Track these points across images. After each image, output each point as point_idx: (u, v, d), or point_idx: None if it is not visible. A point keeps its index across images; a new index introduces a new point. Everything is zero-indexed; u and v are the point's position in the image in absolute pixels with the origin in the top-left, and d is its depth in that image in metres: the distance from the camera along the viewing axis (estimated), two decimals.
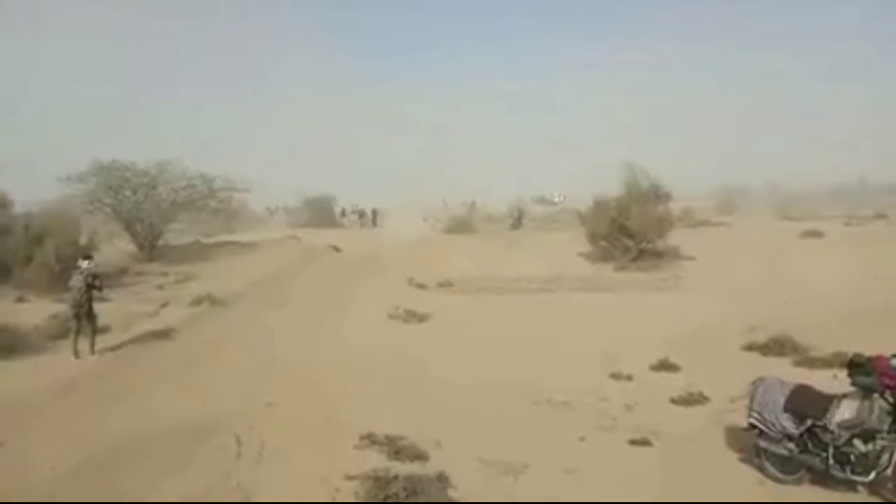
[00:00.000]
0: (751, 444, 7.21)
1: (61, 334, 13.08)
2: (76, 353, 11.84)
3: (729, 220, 41.52)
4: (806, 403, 6.72)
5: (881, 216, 38.66)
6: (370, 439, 7.99)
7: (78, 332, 12.05)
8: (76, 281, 12.19)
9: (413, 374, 11.19)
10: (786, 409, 6.74)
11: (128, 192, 24.36)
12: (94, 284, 12.29)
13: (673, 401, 9.54)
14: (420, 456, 7.55)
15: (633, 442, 8.05)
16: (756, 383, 7.19)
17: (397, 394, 10.05)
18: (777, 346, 11.89)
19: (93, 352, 11.95)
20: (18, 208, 20.37)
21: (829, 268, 20.18)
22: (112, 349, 12.33)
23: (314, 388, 10.44)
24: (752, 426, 7.03)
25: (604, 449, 7.93)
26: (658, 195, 23.22)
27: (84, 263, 12.46)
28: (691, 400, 9.49)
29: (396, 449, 7.69)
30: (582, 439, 8.25)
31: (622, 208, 22.89)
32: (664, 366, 11.25)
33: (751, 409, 7.04)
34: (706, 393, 9.63)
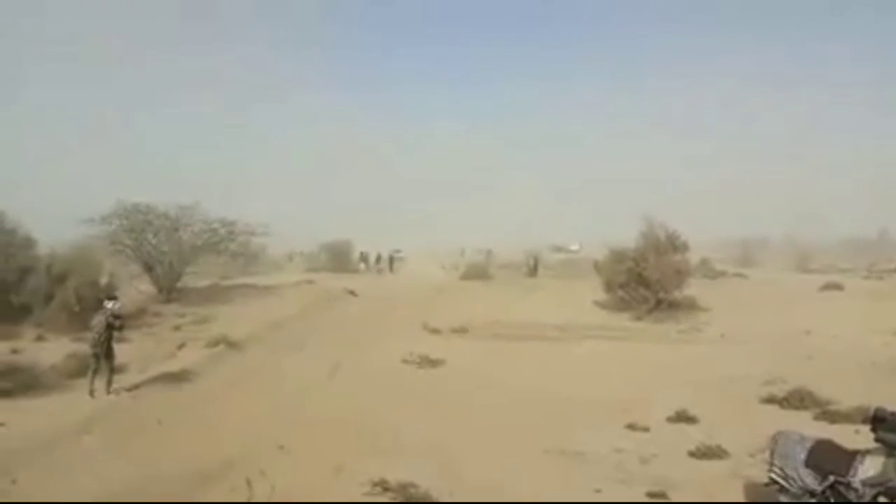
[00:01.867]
0: (770, 499, 7.03)
1: (78, 373, 13.21)
2: (91, 393, 11.91)
3: (747, 272, 41.33)
4: (828, 459, 6.56)
5: None
6: (382, 486, 7.90)
7: (95, 372, 12.14)
8: (98, 321, 12.33)
9: (425, 421, 11.06)
10: (807, 465, 6.58)
11: (149, 235, 24.73)
12: (115, 325, 12.43)
13: (691, 454, 9.33)
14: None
15: (650, 495, 7.87)
16: (776, 437, 7.04)
17: (410, 441, 9.93)
18: (797, 400, 11.68)
19: (108, 391, 11.99)
20: (41, 249, 20.70)
21: (848, 321, 20.00)
22: (128, 389, 12.37)
23: (327, 432, 10.39)
24: (773, 481, 6.86)
25: (620, 501, 7.77)
26: (675, 245, 23.19)
27: (109, 304, 12.63)
28: (709, 453, 9.28)
29: (408, 497, 7.59)
30: (597, 491, 8.08)
31: (639, 258, 22.89)
32: (682, 417, 11.05)
33: (771, 464, 6.88)
34: (724, 446, 9.41)
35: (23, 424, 10.01)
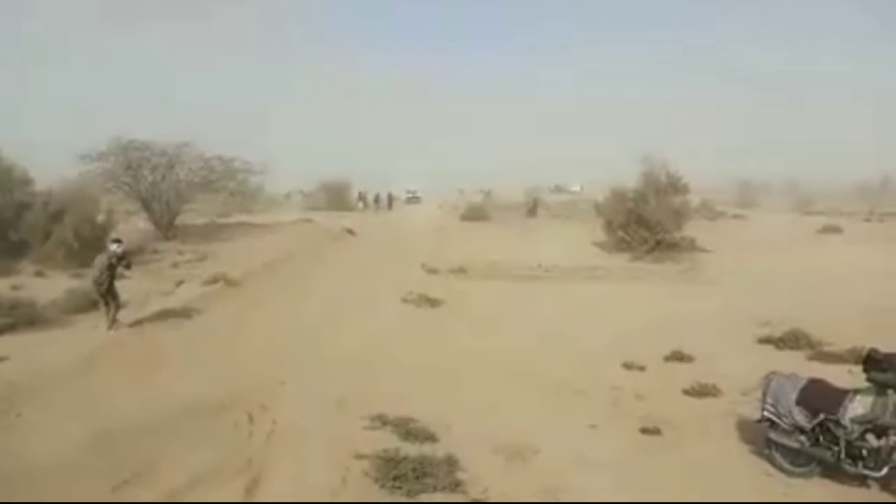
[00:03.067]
0: (762, 436, 7.15)
1: (78, 309, 13.40)
2: (109, 327, 12.10)
3: (747, 214, 41.32)
4: (819, 397, 6.66)
5: None
6: (381, 420, 8.02)
7: (107, 307, 12.25)
8: (100, 260, 12.37)
9: (425, 360, 11.18)
10: (798, 403, 6.69)
11: (146, 172, 24.55)
12: (117, 264, 12.47)
13: (685, 392, 9.45)
14: (430, 438, 7.55)
15: (643, 431, 8.00)
16: (769, 376, 7.14)
17: (409, 378, 10.03)
18: (792, 340, 11.77)
19: (109, 328, 12.07)
20: (39, 186, 20.54)
21: (846, 263, 20.09)
22: (129, 325, 12.45)
23: (327, 368, 10.50)
24: (765, 419, 6.98)
25: (614, 437, 7.89)
26: (676, 187, 23.05)
27: (113, 246, 12.64)
28: (703, 391, 9.39)
29: (407, 431, 7.71)
30: (592, 427, 8.22)
31: (639, 199, 22.79)
32: (677, 357, 11.16)
33: (764, 402, 7.00)
34: (718, 385, 9.53)
35: (25, 359, 10.11)
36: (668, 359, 11.17)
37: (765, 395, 7.02)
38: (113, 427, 7.72)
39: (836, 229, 30.34)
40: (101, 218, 20.31)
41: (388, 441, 7.41)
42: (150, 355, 10.92)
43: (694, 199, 25.83)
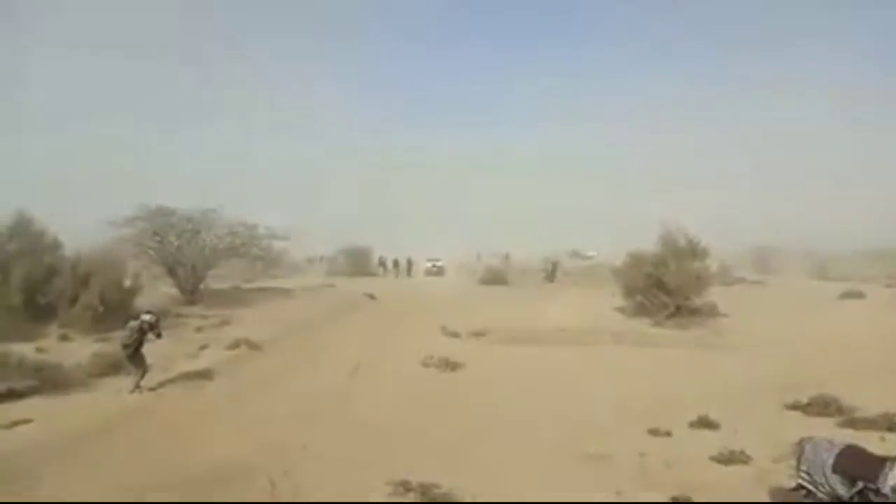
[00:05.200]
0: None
1: (103, 372, 13.55)
2: (133, 391, 12.32)
3: (765, 280, 40.99)
4: (857, 465, 6.51)
5: None
6: (404, 486, 7.95)
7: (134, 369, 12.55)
8: (132, 324, 12.84)
9: (446, 424, 11.09)
10: (835, 471, 6.53)
11: (172, 238, 25.02)
12: (148, 331, 12.93)
13: (714, 459, 9.28)
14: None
15: (674, 498, 7.84)
16: (803, 442, 7.01)
17: (431, 443, 9.96)
18: (820, 406, 11.55)
19: (132, 391, 12.18)
20: (68, 251, 20.98)
21: (870, 329, 19.77)
22: (151, 388, 12.55)
23: (350, 433, 10.45)
24: (800, 486, 6.83)
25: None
26: (695, 252, 23.01)
27: (146, 317, 13.10)
28: (733, 459, 9.21)
29: (431, 498, 7.62)
30: (619, 494, 8.07)
31: (659, 263, 22.74)
32: (703, 423, 10.95)
33: (798, 469, 6.85)
34: (748, 452, 9.36)
35: (49, 421, 10.22)
36: (693, 425, 10.96)
37: (799, 461, 6.88)
38: (130, 493, 7.70)
39: (858, 294, 29.84)
40: (127, 283, 20.59)
41: None
42: (171, 418, 10.97)
43: (713, 264, 25.65)
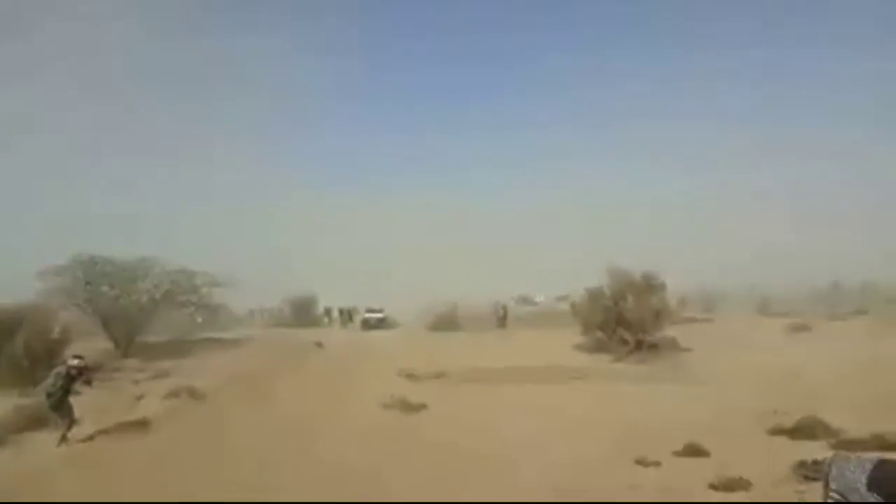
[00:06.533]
0: None
1: (27, 427, 12.16)
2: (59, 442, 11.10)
3: (712, 317, 41.43)
4: (893, 480, 5.90)
5: (862, 312, 38.96)
6: None
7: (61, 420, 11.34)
8: (57, 370, 11.80)
9: (419, 468, 10.10)
10: (870, 488, 5.89)
11: (105, 287, 23.42)
12: (76, 377, 11.76)
13: (712, 486, 8.60)
14: None
15: None
16: (829, 460, 6.36)
17: (399, 484, 8.99)
18: (807, 429, 11.04)
19: (59, 444, 10.84)
20: None
21: (825, 357, 19.76)
22: (81, 441, 11.17)
23: (304, 482, 9.33)
24: None
25: None
26: (653, 286, 22.76)
27: (74, 361, 12.02)
28: (732, 485, 8.54)
29: None
30: None
31: (617, 297, 22.39)
32: (691, 451, 10.29)
33: (827, 489, 6.18)
34: (745, 477, 8.72)
35: None
36: (680, 454, 10.28)
37: (828, 480, 6.22)
38: None
39: (805, 328, 30.39)
40: (56, 334, 19.02)
41: None
42: (102, 474, 9.65)
43: (671, 299, 25.45)
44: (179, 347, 24.71)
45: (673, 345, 22.72)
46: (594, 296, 23.22)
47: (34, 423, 12.12)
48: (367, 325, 44.41)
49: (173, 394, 15.33)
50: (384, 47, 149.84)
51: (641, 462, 9.90)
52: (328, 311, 51.17)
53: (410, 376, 18.98)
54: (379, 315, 45.90)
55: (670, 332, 23.69)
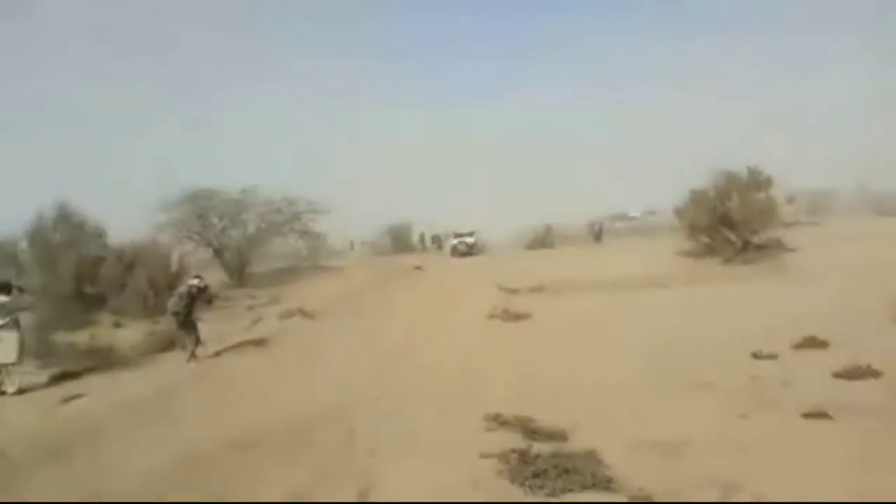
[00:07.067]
0: None
1: (158, 350, 12.96)
2: (188, 359, 11.77)
3: (822, 220, 39.10)
4: None
5: None
6: (497, 421, 7.11)
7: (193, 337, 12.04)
8: (179, 290, 12.36)
9: (532, 367, 10.23)
10: None
11: (214, 219, 24.48)
12: (197, 296, 12.29)
13: (837, 375, 8.25)
14: (559, 436, 6.59)
15: (806, 416, 6.83)
16: None
17: (520, 384, 9.10)
18: None
19: (188, 360, 11.62)
20: (114, 239, 20.61)
21: None
22: (209, 357, 11.94)
23: (422, 382, 9.65)
24: None
25: (773, 424, 6.75)
26: (759, 183, 21.51)
27: (194, 280, 12.54)
28: (859, 373, 8.16)
29: (531, 429, 6.76)
30: (744, 416, 7.09)
31: (723, 196, 21.36)
32: (810, 343, 9.89)
33: None
34: (873, 366, 8.29)
35: (104, 393, 9.68)
36: (799, 346, 9.92)
37: None
38: (205, 447, 7.01)
39: None
40: (174, 267, 20.14)
41: (512, 441, 6.47)
42: (233, 381, 10.36)
43: (778, 196, 23.98)
44: (288, 275, 25.62)
45: (781, 245, 21.58)
46: (698, 197, 22.19)
47: (167, 345, 12.98)
48: (456, 251, 39.31)
49: (287, 314, 16.05)
50: None
51: (757, 355, 9.62)
52: (422, 238, 51.71)
53: (511, 290, 19.02)
54: (469, 240, 40.51)
55: (778, 233, 22.53)
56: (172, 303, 12.04)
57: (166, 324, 13.57)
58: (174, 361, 11.92)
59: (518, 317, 14.55)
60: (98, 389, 9.96)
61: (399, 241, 49.19)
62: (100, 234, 20.25)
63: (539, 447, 6.17)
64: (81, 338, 14.61)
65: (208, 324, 15.21)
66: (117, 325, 17.26)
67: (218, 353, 12.25)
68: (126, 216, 23.05)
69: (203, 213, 24.11)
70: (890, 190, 57.81)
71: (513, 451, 6.02)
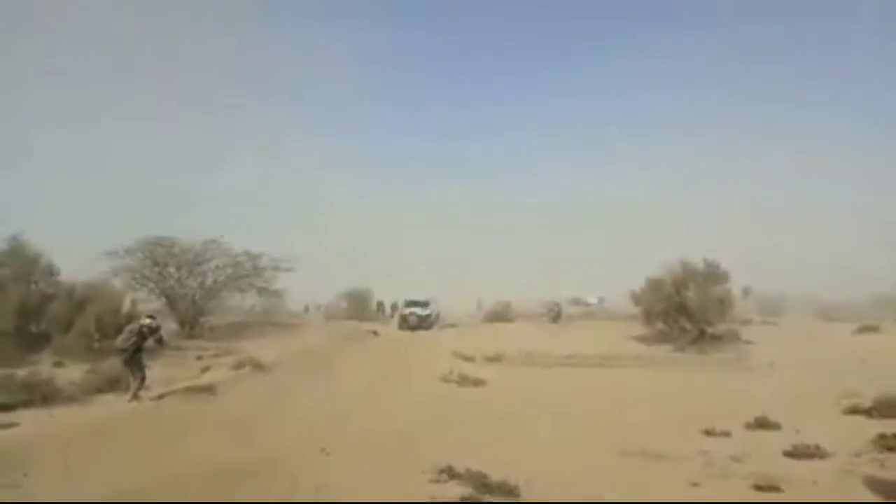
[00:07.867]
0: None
1: (99, 389, 12.47)
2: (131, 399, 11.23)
3: (775, 321, 40.08)
4: None
5: None
6: (449, 473, 6.94)
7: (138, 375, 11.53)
8: (130, 327, 11.91)
9: (482, 427, 10.11)
10: None
11: (171, 268, 24.02)
12: (148, 335, 11.84)
13: (787, 454, 8.32)
14: (510, 491, 6.45)
15: (758, 488, 6.85)
16: None
17: (470, 440, 8.97)
18: (886, 408, 10.55)
19: (130, 400, 11.16)
20: (63, 278, 20.03)
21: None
22: (152, 399, 11.49)
23: (368, 438, 9.41)
24: None
25: (724, 495, 6.73)
26: (716, 275, 22.12)
27: (146, 320, 12.10)
28: (808, 453, 8.25)
29: (482, 484, 6.61)
30: (695, 485, 7.06)
31: (679, 285, 21.84)
32: (762, 424, 10.03)
33: None
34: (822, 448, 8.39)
35: (38, 426, 9.21)
36: (751, 426, 10.05)
37: None
38: (120, 492, 6.66)
39: (873, 329, 29.03)
40: (124, 309, 19.58)
41: (461, 492, 6.32)
42: (172, 424, 9.89)
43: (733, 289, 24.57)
44: (243, 329, 25.13)
45: (736, 337, 22.04)
46: (655, 285, 22.68)
47: (107, 384, 12.47)
48: (405, 324, 33.10)
49: (238, 365, 15.60)
50: None
51: (709, 432, 9.68)
52: (380, 305, 51.43)
53: (468, 358, 18.92)
54: (421, 311, 33.99)
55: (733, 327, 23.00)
56: (122, 339, 11.63)
57: (110, 365, 13.12)
58: (114, 400, 11.45)
59: (473, 382, 14.42)
60: (32, 421, 9.49)
61: (356, 306, 48.80)
62: (51, 271, 19.71)
63: (491, 499, 6.03)
64: (21, 374, 14.01)
65: (155, 370, 14.76)
66: (58, 364, 16.56)
67: (161, 396, 11.77)
68: (79, 258, 22.36)
69: (161, 260, 23.65)
70: (837, 299, 59.86)
71: (462, 498, 5.88)
